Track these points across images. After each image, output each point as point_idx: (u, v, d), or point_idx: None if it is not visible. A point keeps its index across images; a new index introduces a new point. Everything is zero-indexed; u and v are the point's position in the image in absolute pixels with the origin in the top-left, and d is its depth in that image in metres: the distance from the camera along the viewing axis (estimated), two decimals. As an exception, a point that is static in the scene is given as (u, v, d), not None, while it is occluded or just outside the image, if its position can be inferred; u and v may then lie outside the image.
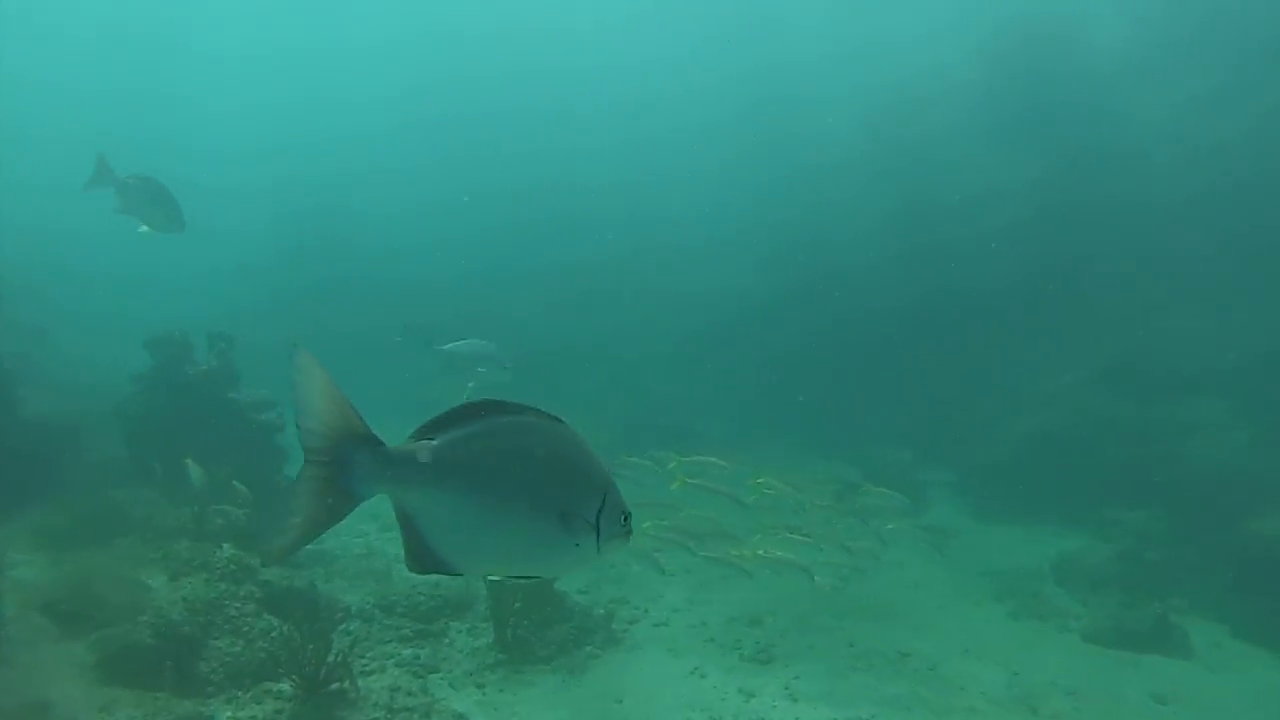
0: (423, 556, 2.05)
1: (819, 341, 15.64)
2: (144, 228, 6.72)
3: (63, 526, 7.55)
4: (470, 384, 7.64)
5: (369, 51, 40.16)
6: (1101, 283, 13.62)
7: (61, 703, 5.09)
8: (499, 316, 18.03)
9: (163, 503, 7.76)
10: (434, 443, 2.03)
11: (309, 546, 9.46)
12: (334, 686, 5.92)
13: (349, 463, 1.95)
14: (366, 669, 6.78)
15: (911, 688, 6.82)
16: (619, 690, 6.52)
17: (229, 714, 5.45)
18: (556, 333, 17.92)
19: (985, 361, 14.10)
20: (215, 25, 40.59)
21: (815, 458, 13.26)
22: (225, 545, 6.94)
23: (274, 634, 6.24)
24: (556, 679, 6.69)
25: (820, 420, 14.57)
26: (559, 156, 30.74)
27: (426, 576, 8.38)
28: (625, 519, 2.22)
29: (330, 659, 6.01)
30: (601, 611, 7.60)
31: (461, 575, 2.15)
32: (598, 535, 2.16)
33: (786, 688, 6.68)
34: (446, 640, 7.36)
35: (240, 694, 5.75)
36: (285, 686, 5.82)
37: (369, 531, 10.13)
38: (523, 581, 2.36)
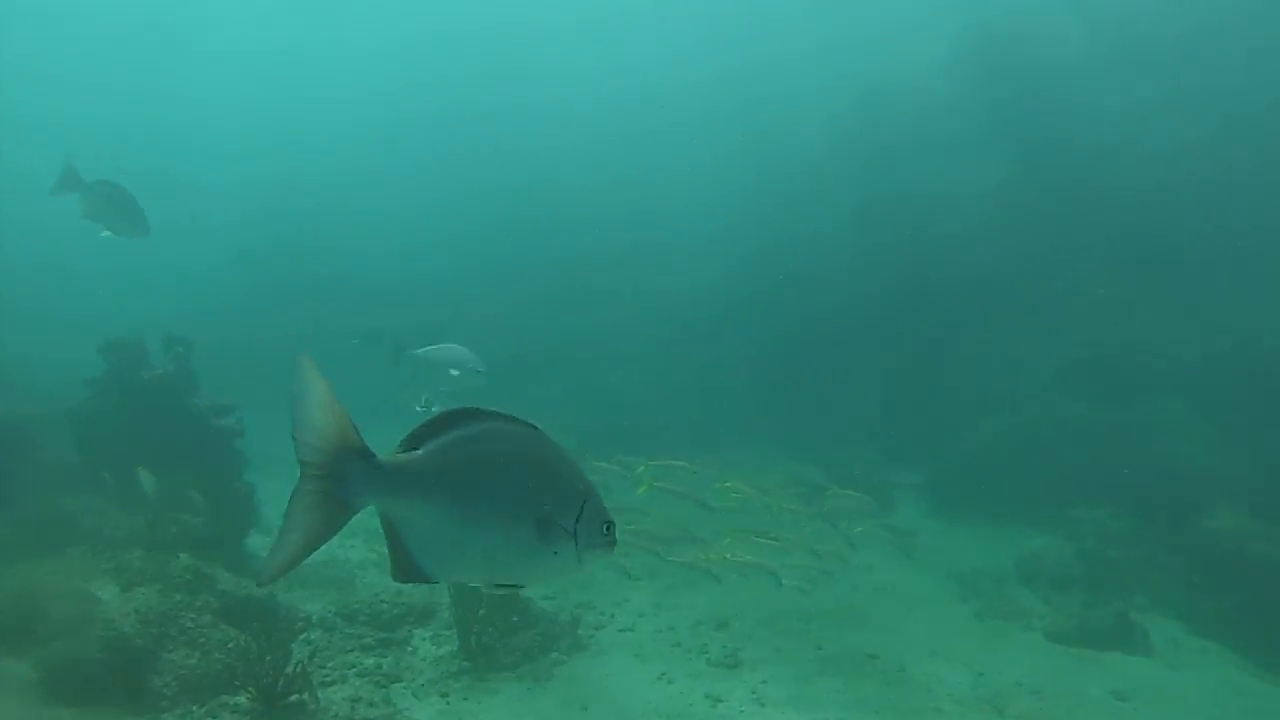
0: (405, 566, 2.08)
1: (784, 343, 15.69)
2: (106, 232, 6.81)
3: (8, 536, 7.29)
4: (426, 394, 7.53)
5: (354, 51, 39.82)
6: (1064, 283, 13.79)
7: (3, 722, 4.91)
8: (462, 319, 17.91)
9: (115, 511, 7.54)
10: (419, 453, 2.06)
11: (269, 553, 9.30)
12: (293, 698, 5.79)
13: (344, 475, 1.96)
14: (327, 680, 6.64)
15: (879, 690, 6.83)
16: (585, 697, 6.45)
17: (182, 729, 5.30)
18: (519, 335, 17.79)
19: (950, 362, 14.23)
20: (210, 20, 39.99)
21: (782, 460, 13.29)
22: (181, 554, 6.77)
23: (231, 645, 6.09)
24: (521, 686, 6.61)
25: (786, 422, 14.62)
26: (527, 158, 30.61)
27: (389, 584, 8.30)
28: (607, 528, 2.21)
29: (289, 670, 5.89)
30: (567, 617, 7.52)
31: (439, 583, 2.15)
32: (576, 543, 2.16)
33: (754, 692, 6.65)
34: (410, 649, 7.25)
35: (195, 708, 5.59)
36: (242, 699, 5.68)
37: (333, 542, 9.94)
38: (499, 590, 2.30)
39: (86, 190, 6.62)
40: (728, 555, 7.17)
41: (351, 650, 7.20)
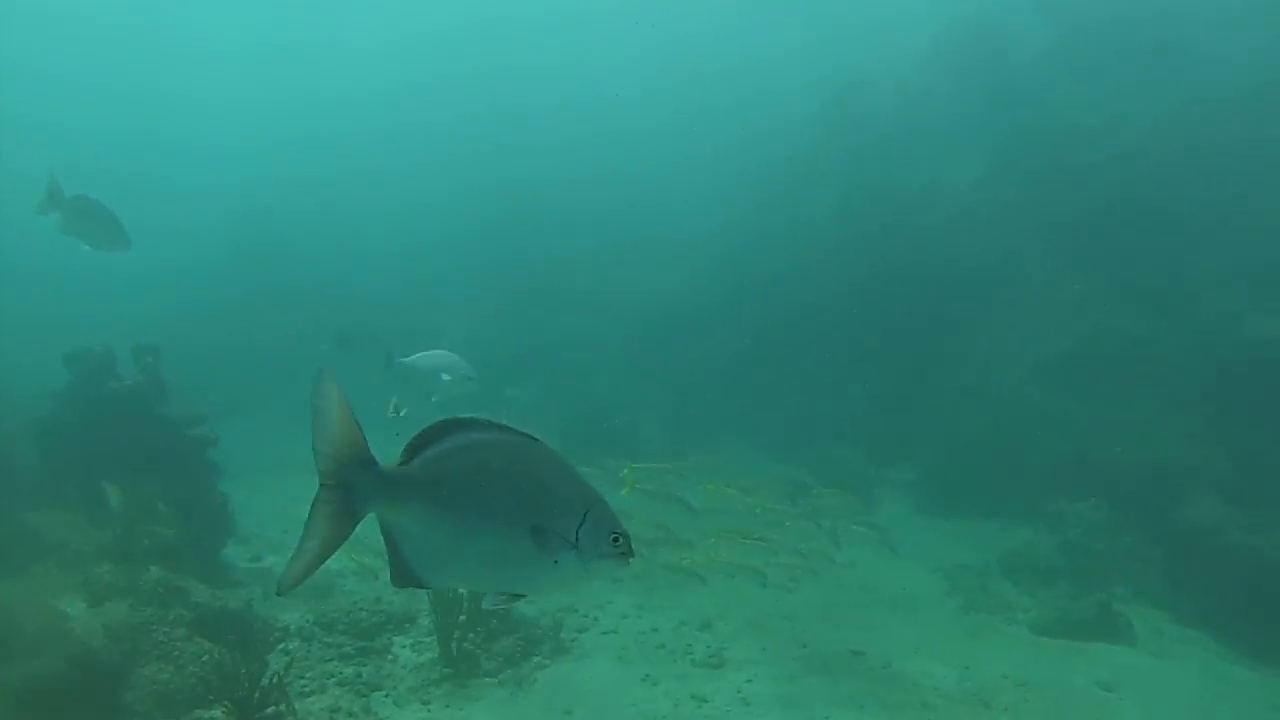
0: (402, 571, 2.16)
1: (765, 342, 15.66)
2: (87, 247, 6.88)
3: (-30, 553, 7.12)
4: (395, 399, 7.43)
5: (339, 51, 39.65)
6: (1042, 277, 13.87)
7: (-35, 745, 4.76)
8: (440, 321, 17.79)
9: (83, 525, 7.36)
10: (414, 462, 2.13)
11: (245, 564, 9.09)
12: (269, 710, 5.68)
13: (353, 484, 2.07)
14: (306, 690, 6.53)
15: (865, 686, 6.79)
16: (568, 701, 6.36)
17: (154, 745, 5.17)
18: (499, 337, 17.68)
19: (930, 357, 14.27)
20: (193, 20, 39.61)
21: (766, 460, 13.26)
22: (152, 567, 6.61)
23: (205, 658, 5.95)
24: (504, 692, 6.51)
25: (769, 422, 14.60)
26: (507, 157, 30.53)
27: (368, 592, 8.17)
28: (616, 539, 2.21)
29: (265, 682, 5.77)
30: (549, 621, 7.43)
31: (435, 589, 2.26)
32: (580, 554, 2.17)
33: (739, 692, 6.59)
34: (390, 656, 7.13)
35: (168, 724, 5.46)
36: (217, 713, 5.55)
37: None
38: (502, 599, 2.34)
39: (65, 206, 6.69)
40: (715, 555, 7.13)
41: (330, 659, 7.07)
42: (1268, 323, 10.99)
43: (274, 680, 5.79)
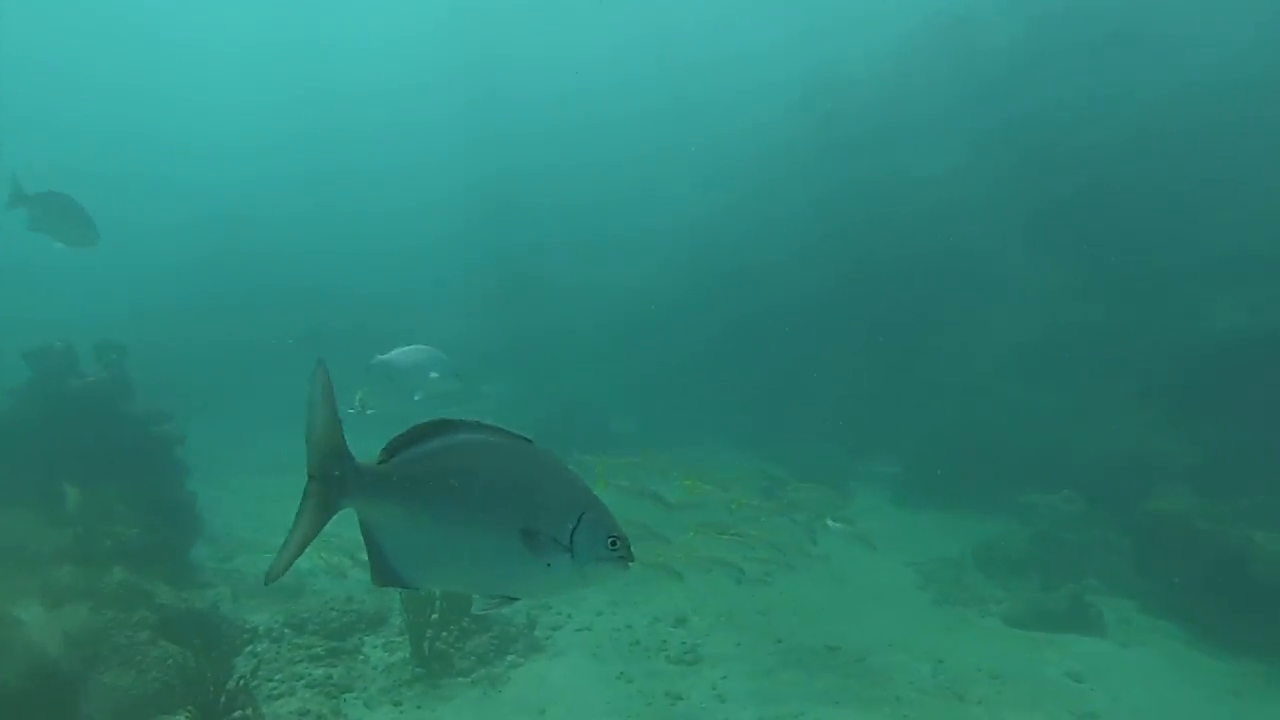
0: (383, 570, 2.15)
1: (738, 337, 15.66)
2: (59, 244, 6.88)
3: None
4: (360, 394, 7.32)
5: (311, 51, 39.12)
6: (1015, 271, 13.97)
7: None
8: (411, 321, 17.63)
9: (42, 526, 7.17)
10: (395, 461, 2.13)
11: (216, 565, 8.92)
12: (235, 715, 5.57)
13: (331, 477, 2.10)
14: (275, 693, 6.43)
15: (840, 681, 6.80)
16: (542, 700, 6.31)
17: (115, 753, 5.05)
18: (470, 334, 17.54)
19: (904, 352, 14.34)
20: (165, 16, 38.86)
21: (740, 454, 13.27)
22: (115, 569, 6.46)
23: (170, 662, 5.83)
24: (477, 691, 6.44)
25: (743, 416, 14.60)
26: (478, 152, 30.28)
27: (338, 592, 8.06)
28: (614, 542, 2.19)
29: (231, 685, 5.66)
30: (523, 619, 7.36)
31: (419, 590, 2.24)
32: (574, 557, 2.15)
33: (714, 688, 6.57)
34: (361, 657, 7.04)
35: (129, 731, 5.34)
36: (181, 718, 5.43)
37: (279, 548, 9.64)
38: (494, 601, 2.31)
39: (32, 202, 6.66)
40: (692, 551, 7.09)
41: (300, 661, 6.96)
42: (1232, 314, 11.15)
43: (241, 683, 5.68)
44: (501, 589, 2.22)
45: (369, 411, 7.26)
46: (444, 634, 6.78)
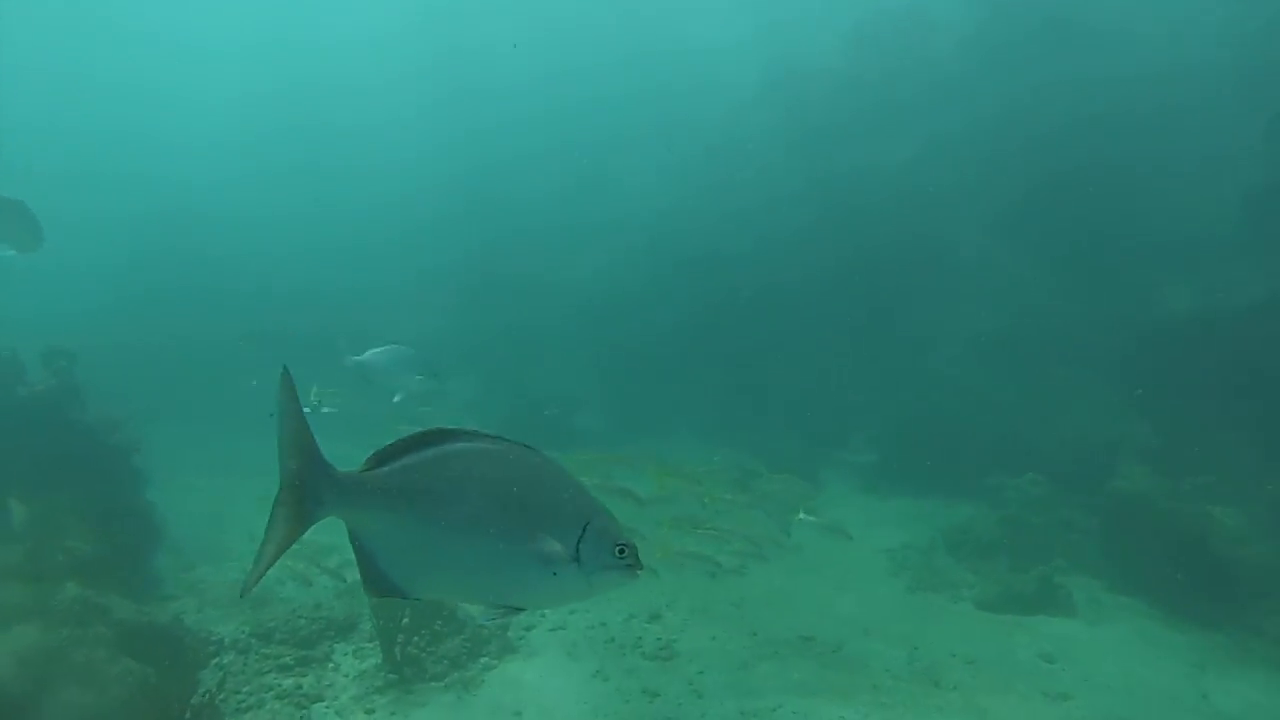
0: (376, 580, 2.11)
1: (703, 329, 15.63)
2: (10, 251, 6.82)
3: None
4: (315, 390, 7.16)
5: (280, 48, 38.24)
6: (967, 262, 14.12)
7: None
8: (373, 318, 17.36)
9: (-10, 542, 6.91)
10: (385, 469, 2.08)
11: (178, 575, 8.66)
12: (202, 730, 5.40)
13: (305, 487, 2.05)
14: (243, 705, 6.27)
15: (817, 671, 6.80)
16: (517, 702, 6.22)
17: (74, 776, 4.86)
18: (434, 331, 17.32)
19: (869, 340, 14.43)
20: (152, 10, 37.73)
21: (710, 446, 13.24)
22: (69, 584, 6.22)
23: (130, 679, 5.62)
24: (451, 696, 6.33)
25: (710, 409, 14.58)
26: (442, 145, 29.93)
27: (306, 599, 7.89)
28: (621, 550, 2.16)
29: (196, 700, 5.49)
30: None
31: (419, 599, 2.20)
32: (581, 566, 2.12)
33: (691, 683, 6.53)
34: (331, 665, 6.89)
35: (89, 752, 5.14)
36: (143, 737, 5.25)
37: (244, 554, 9.42)
38: (499, 611, 2.27)
39: None
40: (667, 546, 7.03)
41: (268, 672, 6.80)
42: (1182, 297, 11.38)
43: (206, 698, 5.52)
44: (505, 599, 2.18)
45: (325, 410, 7.09)
46: (415, 638, 6.65)
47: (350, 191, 31.40)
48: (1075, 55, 14.00)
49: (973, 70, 14.91)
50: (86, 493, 7.54)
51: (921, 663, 6.98)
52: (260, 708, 6.25)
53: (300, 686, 6.52)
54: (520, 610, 2.25)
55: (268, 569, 2.07)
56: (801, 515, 8.51)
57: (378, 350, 7.11)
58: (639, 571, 2.21)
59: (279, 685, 6.54)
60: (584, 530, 2.14)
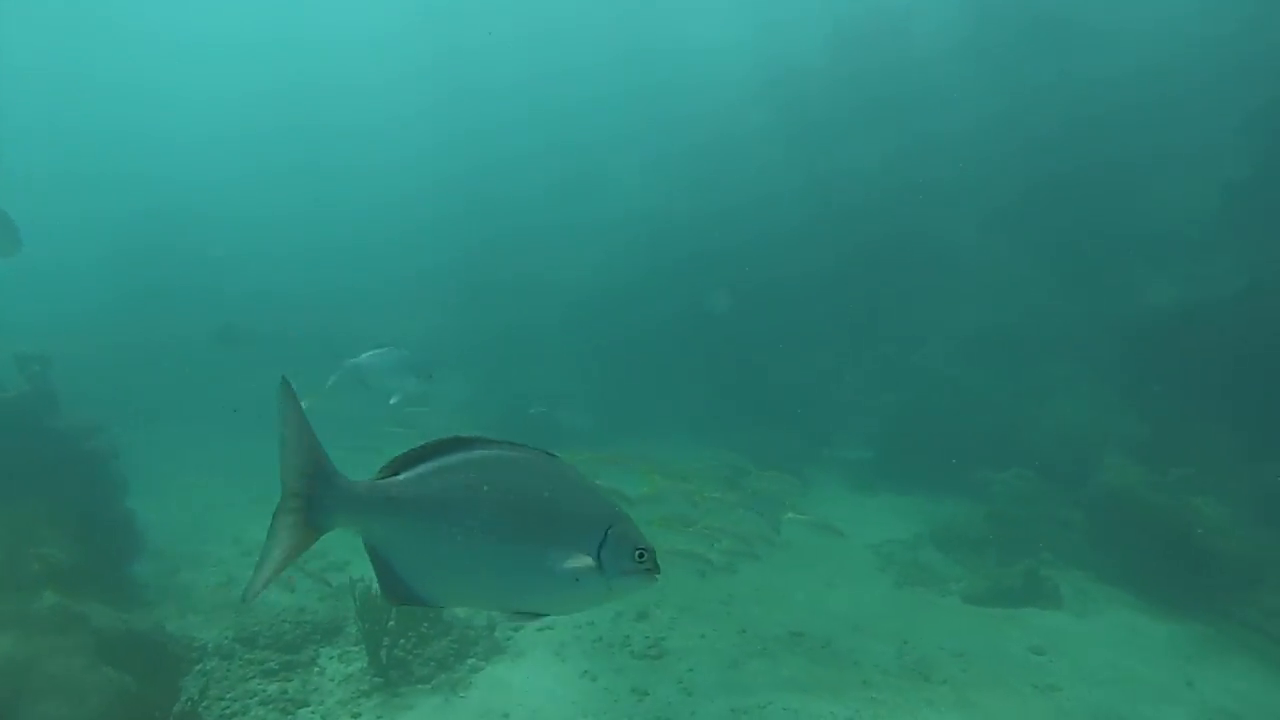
0: (395, 589, 2.11)
1: (691, 328, 15.61)
2: None
3: None
4: (311, 396, 7.07)
5: (252, 48, 37.86)
6: (952, 258, 14.18)
7: None
8: (361, 320, 17.24)
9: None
10: (399, 478, 2.08)
11: (160, 581, 8.54)
12: (183, 738, 5.31)
13: (313, 497, 2.05)
14: (227, 712, 6.18)
15: (807, 667, 6.77)
16: (505, 704, 6.15)
17: (52, 788, 4.75)
18: (421, 332, 17.22)
19: (853, 338, 14.46)
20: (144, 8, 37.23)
21: (698, 445, 13.20)
22: (46, 593, 6.10)
23: (110, 688, 5.52)
24: (438, 699, 6.25)
25: (699, 407, 14.56)
26: (426, 153, 29.79)
27: (289, 603, 7.79)
28: (641, 555, 2.19)
29: (177, 708, 5.40)
30: (483, 620, 7.18)
31: (442, 608, 2.13)
32: (604, 571, 2.14)
33: (681, 681, 6.49)
34: (316, 669, 6.80)
35: (68, 763, 5.03)
36: (124, 746, 5.16)
37: (227, 559, 9.30)
38: (519, 617, 2.28)
39: None
40: (657, 545, 6.97)
41: (252, 677, 6.70)
42: (1165, 290, 11.46)
43: (189, 705, 5.43)
44: (527, 605, 2.19)
45: (303, 404, 6.99)
46: (402, 641, 6.58)
47: (344, 192, 31.21)
48: (1061, 55, 14.13)
49: (961, 71, 15.01)
50: (63, 499, 7.41)
51: (911, 657, 6.97)
52: (244, 714, 6.16)
53: (285, 691, 6.43)
54: (541, 616, 2.25)
55: (272, 579, 2.07)
56: (791, 514, 8.51)
57: (373, 352, 7.10)
58: (657, 576, 2.23)
59: (263, 691, 6.45)
60: (605, 536, 2.15)
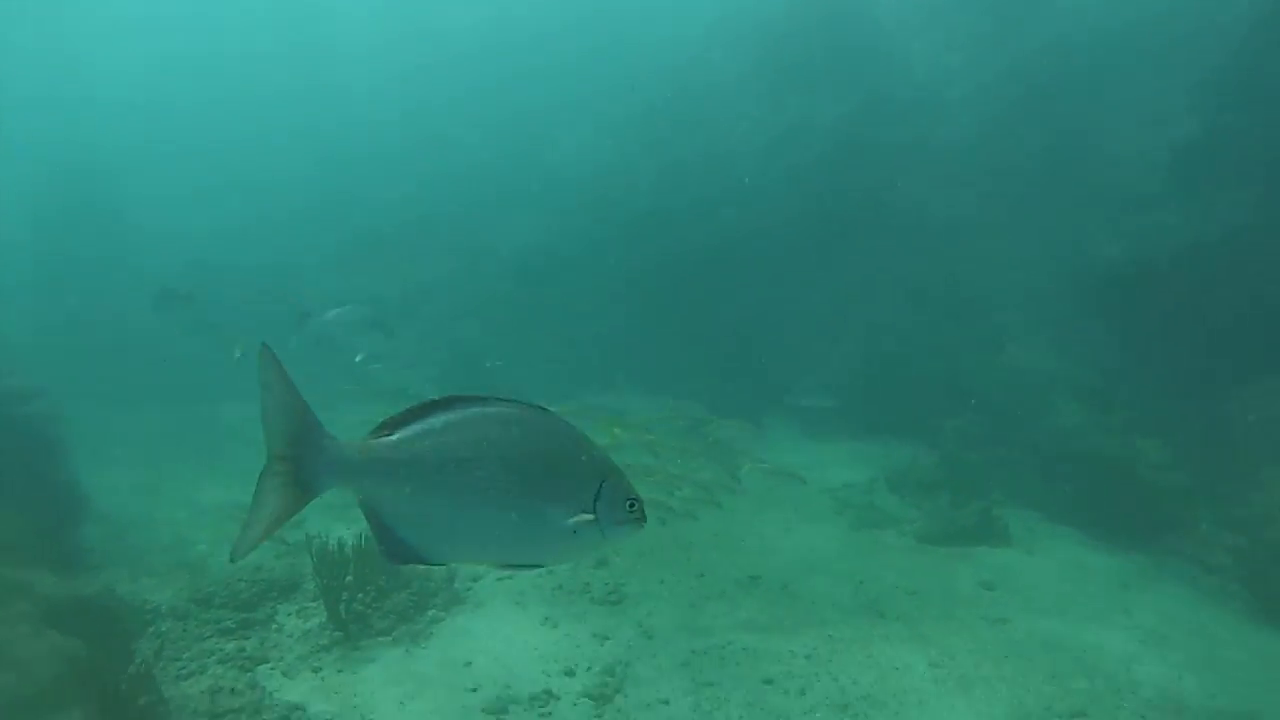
0: (396, 549, 2.12)
1: (642, 284, 15.56)
2: None
3: None
4: (240, 343, 6.95)
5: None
6: (906, 212, 14.27)
7: None
8: (293, 279, 16.90)
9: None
10: (394, 438, 2.09)
11: (107, 545, 8.36)
12: (140, 702, 5.21)
13: (303, 460, 2.05)
14: (183, 673, 6.10)
15: (764, 609, 6.89)
16: (467, 652, 6.17)
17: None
18: (370, 290, 16.91)
19: (806, 290, 14.55)
20: None
21: (655, 399, 13.24)
22: (-15, 559, 5.93)
23: (58, 655, 5.39)
24: (399, 650, 6.25)
25: (652, 362, 14.59)
26: (374, 113, 29.02)
27: (245, 561, 7.70)
28: (632, 505, 2.25)
29: (131, 670, 5.30)
30: (442, 571, 7.17)
31: (444, 565, 2.35)
32: (598, 522, 2.19)
33: (640, 625, 6.56)
34: (274, 626, 6.75)
35: (16, 734, 4.93)
36: (76, 715, 5.05)
37: (179, 520, 9.13)
38: (515, 569, 2.48)
39: None
40: None
41: (209, 637, 6.63)
42: (1114, 244, 11.70)
43: (143, 668, 5.33)
44: (526, 558, 2.23)
45: (238, 355, 6.90)
46: (360, 595, 6.54)
47: (293, 158, 30.27)
48: (1017, 16, 14.16)
49: (912, 28, 14.96)
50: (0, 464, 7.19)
51: (866, 596, 7.13)
52: (202, 673, 6.08)
53: (244, 649, 6.38)
54: (538, 567, 2.30)
55: (261, 539, 2.06)
56: (749, 463, 8.61)
57: (338, 310, 7.01)
58: (644, 524, 2.29)
59: (221, 649, 6.39)
60: (600, 488, 2.20)
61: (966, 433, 10.86)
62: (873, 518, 9.18)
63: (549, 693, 5.65)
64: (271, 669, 6.16)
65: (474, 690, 5.71)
